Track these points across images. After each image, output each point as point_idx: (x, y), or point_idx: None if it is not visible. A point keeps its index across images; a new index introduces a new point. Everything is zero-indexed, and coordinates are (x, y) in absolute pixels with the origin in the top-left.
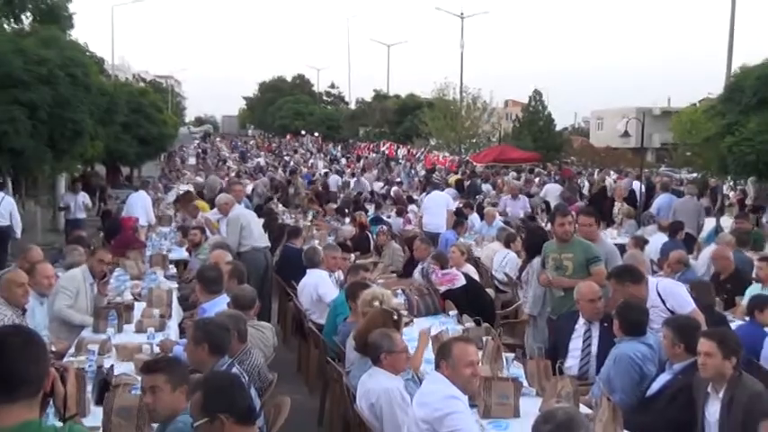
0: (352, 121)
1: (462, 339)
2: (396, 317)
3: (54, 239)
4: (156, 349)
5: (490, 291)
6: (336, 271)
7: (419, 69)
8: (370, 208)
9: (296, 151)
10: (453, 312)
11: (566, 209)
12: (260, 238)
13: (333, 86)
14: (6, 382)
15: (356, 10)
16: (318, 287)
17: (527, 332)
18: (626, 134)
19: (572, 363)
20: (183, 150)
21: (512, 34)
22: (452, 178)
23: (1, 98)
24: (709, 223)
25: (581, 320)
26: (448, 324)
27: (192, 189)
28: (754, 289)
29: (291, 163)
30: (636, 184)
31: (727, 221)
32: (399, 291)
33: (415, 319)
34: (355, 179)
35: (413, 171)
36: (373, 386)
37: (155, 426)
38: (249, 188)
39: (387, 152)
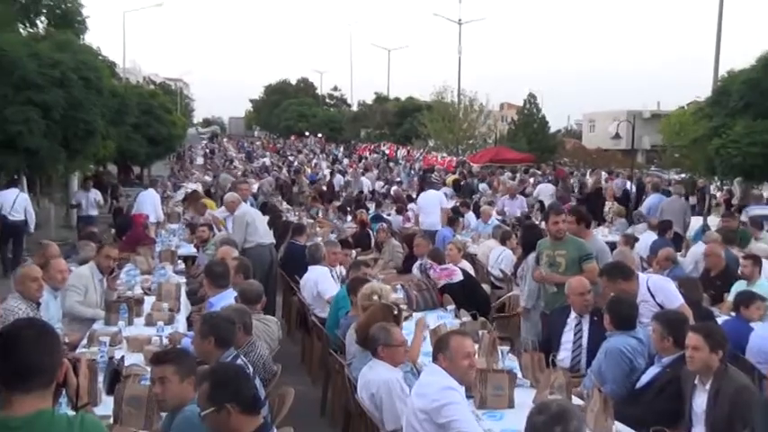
0: (353, 123)
1: (459, 333)
2: (396, 311)
3: (67, 235)
4: (166, 341)
5: (486, 287)
6: (337, 266)
7: (418, 73)
8: (371, 206)
9: (300, 152)
10: (451, 307)
11: (560, 208)
12: (265, 235)
13: (335, 89)
14: (22, 374)
15: (358, 16)
16: (318, 283)
17: (521, 325)
18: (617, 136)
19: (564, 355)
20: (191, 150)
21: (507, 40)
22: (450, 178)
23: (16, 99)
24: (696, 222)
25: (572, 314)
26: (445, 318)
27: (199, 188)
28: (739, 285)
29: (295, 163)
30: (627, 185)
31: (714, 220)
32: (399, 286)
33: (413, 314)
34: (353, 179)
35: (412, 171)
36: (373, 377)
37: (163, 415)
38: (255, 187)
39: (387, 153)
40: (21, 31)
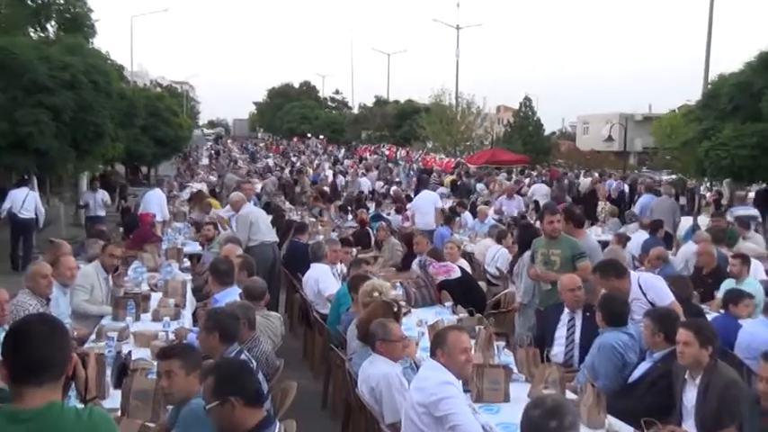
0: (354, 125)
1: (456, 328)
2: (396, 308)
3: (76, 233)
4: (172, 336)
5: (482, 284)
6: (338, 264)
7: (417, 77)
8: (371, 206)
9: (303, 153)
10: (448, 303)
11: (554, 208)
12: (268, 234)
13: (337, 92)
14: (32, 368)
15: (359, 21)
16: (319, 281)
17: (516, 321)
18: (610, 138)
19: (558, 350)
20: (196, 151)
21: (504, 44)
22: (447, 179)
23: (26, 102)
24: (687, 222)
25: (566, 311)
26: (443, 314)
27: (205, 187)
28: (728, 284)
29: (298, 164)
30: (624, 186)
31: (704, 220)
32: (398, 283)
33: (412, 310)
34: (350, 179)
35: (411, 172)
36: (373, 372)
37: (170, 408)
38: (258, 187)
39: (387, 154)
40: (31, 34)
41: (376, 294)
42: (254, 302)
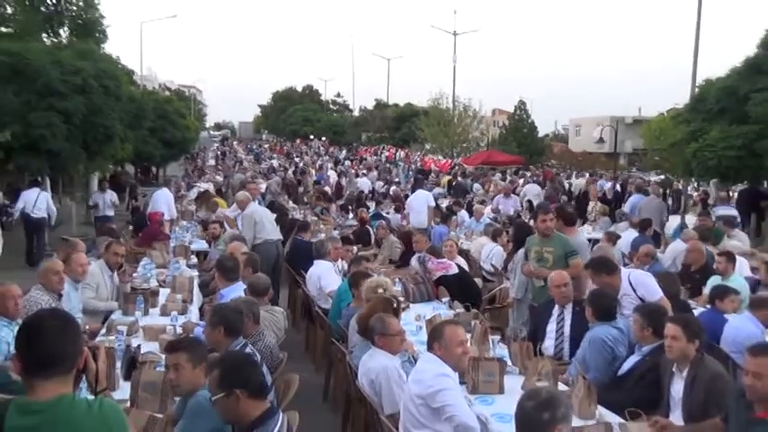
0: (355, 127)
1: (453, 322)
2: (395, 304)
3: (87, 231)
4: (179, 330)
5: (478, 280)
6: (339, 261)
7: (416, 81)
8: (371, 205)
9: (306, 154)
10: (445, 299)
11: (547, 207)
12: (272, 232)
13: (338, 96)
14: (45, 362)
15: (360, 27)
16: (321, 278)
17: (510, 315)
18: (601, 140)
19: (549, 343)
20: (203, 152)
21: (499, 49)
22: (444, 179)
23: (39, 105)
24: (674, 221)
25: (557, 306)
26: (440, 309)
27: (211, 187)
28: (714, 280)
29: (301, 164)
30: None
31: (691, 219)
32: (396, 279)
33: (410, 305)
34: (348, 179)
35: (410, 172)
36: (373, 365)
37: (177, 399)
38: (263, 187)
39: (387, 155)
40: (44, 40)
41: (381, 291)
42: (259, 298)
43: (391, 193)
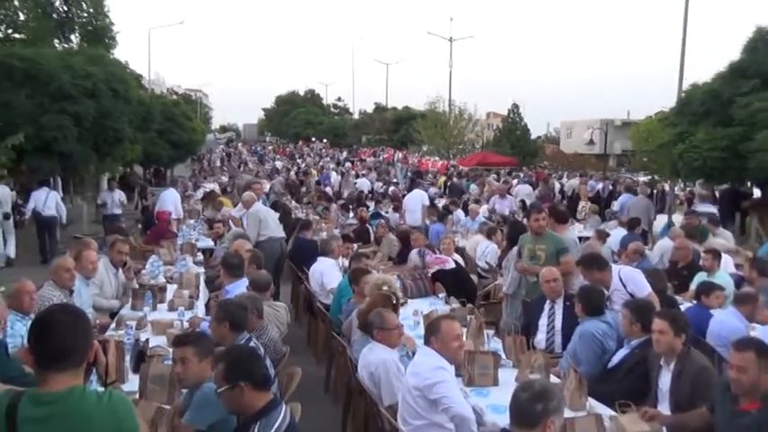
0: (355, 130)
1: (449, 317)
2: (394, 300)
3: (98, 230)
4: (186, 325)
5: (473, 276)
6: (340, 258)
7: (413, 85)
8: (371, 204)
9: (308, 155)
10: (442, 294)
11: (540, 207)
12: (276, 230)
13: (339, 99)
14: (56, 355)
15: (360, 34)
16: (324, 274)
17: (503, 309)
18: (591, 142)
19: (541, 337)
20: (209, 154)
21: (494, 55)
22: (441, 180)
23: (51, 109)
24: (662, 219)
25: (548, 301)
26: (437, 304)
27: (217, 187)
28: (700, 276)
29: (303, 165)
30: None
31: (678, 218)
32: (395, 276)
33: (408, 301)
34: (345, 180)
35: (408, 173)
36: (372, 358)
37: (184, 391)
38: (267, 187)
39: (386, 156)
40: (56, 46)
41: (385, 288)
42: (260, 293)
43: (390, 193)
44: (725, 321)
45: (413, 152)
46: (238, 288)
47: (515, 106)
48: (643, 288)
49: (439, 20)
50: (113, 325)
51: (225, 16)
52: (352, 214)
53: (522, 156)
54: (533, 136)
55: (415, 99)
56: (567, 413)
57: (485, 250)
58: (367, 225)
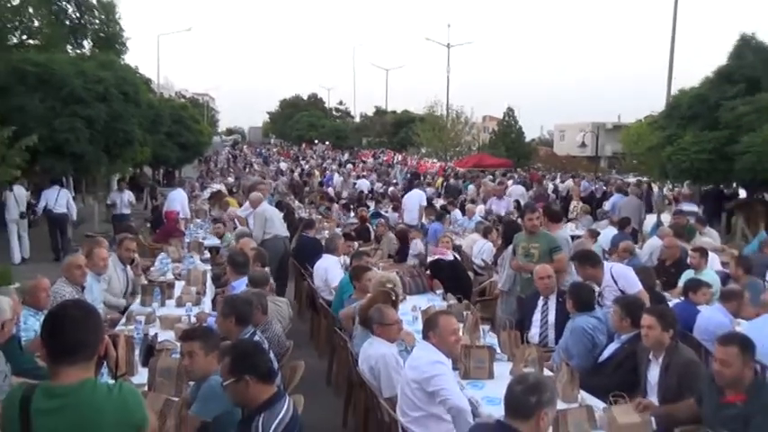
0: (356, 133)
1: (446, 313)
2: (394, 297)
3: (108, 228)
4: (193, 320)
5: (470, 273)
6: (341, 256)
7: (412, 89)
8: (371, 204)
9: (311, 157)
10: (439, 291)
11: (534, 207)
12: (281, 229)
13: (341, 103)
14: (68, 349)
15: (360, 40)
16: (327, 271)
17: (498, 305)
18: (583, 145)
19: (535, 332)
20: (216, 156)
21: (490, 60)
22: (438, 181)
23: (64, 112)
24: (651, 219)
25: (541, 297)
26: (434, 301)
27: (223, 188)
28: (688, 274)
29: (306, 167)
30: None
31: (666, 218)
32: (394, 273)
33: (407, 297)
34: (343, 181)
35: (407, 174)
36: (372, 352)
37: (191, 384)
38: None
39: (385, 158)
40: (69, 51)
41: (390, 285)
42: (259, 288)
43: (389, 193)
44: (711, 317)
45: (412, 154)
46: (243, 284)
47: (510, 110)
48: (634, 285)
49: (437, 26)
50: (123, 320)
51: (231, 23)
52: (353, 214)
53: (517, 158)
54: (527, 139)
55: (413, 103)
56: (560, 405)
57: (481, 248)
58: (367, 224)
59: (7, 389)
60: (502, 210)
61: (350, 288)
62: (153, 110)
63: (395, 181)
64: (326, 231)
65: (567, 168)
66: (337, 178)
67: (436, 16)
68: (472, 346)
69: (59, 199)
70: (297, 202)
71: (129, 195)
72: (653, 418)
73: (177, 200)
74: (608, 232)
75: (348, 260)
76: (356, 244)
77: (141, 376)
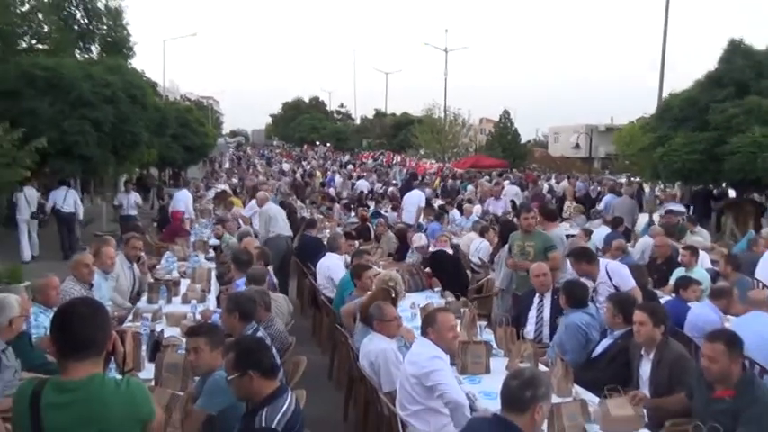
0: (357, 135)
1: (444, 310)
2: (393, 294)
3: (115, 228)
4: (198, 317)
5: (467, 271)
6: (342, 254)
7: (411, 92)
8: (371, 204)
9: (313, 158)
10: (437, 288)
11: (529, 206)
12: (284, 228)
13: (341, 106)
14: (77, 345)
15: (361, 44)
16: (330, 269)
17: (494, 303)
18: (577, 146)
19: (530, 328)
20: (220, 157)
21: (486, 64)
22: (436, 182)
23: (72, 115)
24: (643, 218)
25: (537, 294)
26: (433, 298)
27: (227, 188)
28: (679, 271)
29: (308, 168)
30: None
31: (657, 217)
32: (395, 271)
33: (406, 294)
34: (342, 181)
35: (406, 175)
36: (372, 347)
37: (196, 379)
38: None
39: (385, 159)
40: (77, 56)
41: (392, 284)
42: (258, 285)
43: (389, 193)
44: (701, 313)
45: (411, 155)
46: None
47: (506, 112)
48: (628, 282)
49: (435, 31)
50: (131, 317)
51: (235, 29)
52: (353, 213)
53: (513, 159)
54: (523, 140)
55: (412, 106)
56: (555, 399)
57: (478, 247)
58: (368, 224)
59: (17, 384)
60: (499, 210)
61: (351, 285)
62: (159, 113)
63: (394, 181)
64: (328, 231)
65: (562, 169)
66: (338, 179)
67: (434, 22)
68: (469, 341)
69: (67, 199)
70: (299, 202)
71: (135, 197)
72: (645, 412)
73: (182, 200)
74: (601, 231)
75: (349, 258)
76: (357, 243)
77: (148, 371)
